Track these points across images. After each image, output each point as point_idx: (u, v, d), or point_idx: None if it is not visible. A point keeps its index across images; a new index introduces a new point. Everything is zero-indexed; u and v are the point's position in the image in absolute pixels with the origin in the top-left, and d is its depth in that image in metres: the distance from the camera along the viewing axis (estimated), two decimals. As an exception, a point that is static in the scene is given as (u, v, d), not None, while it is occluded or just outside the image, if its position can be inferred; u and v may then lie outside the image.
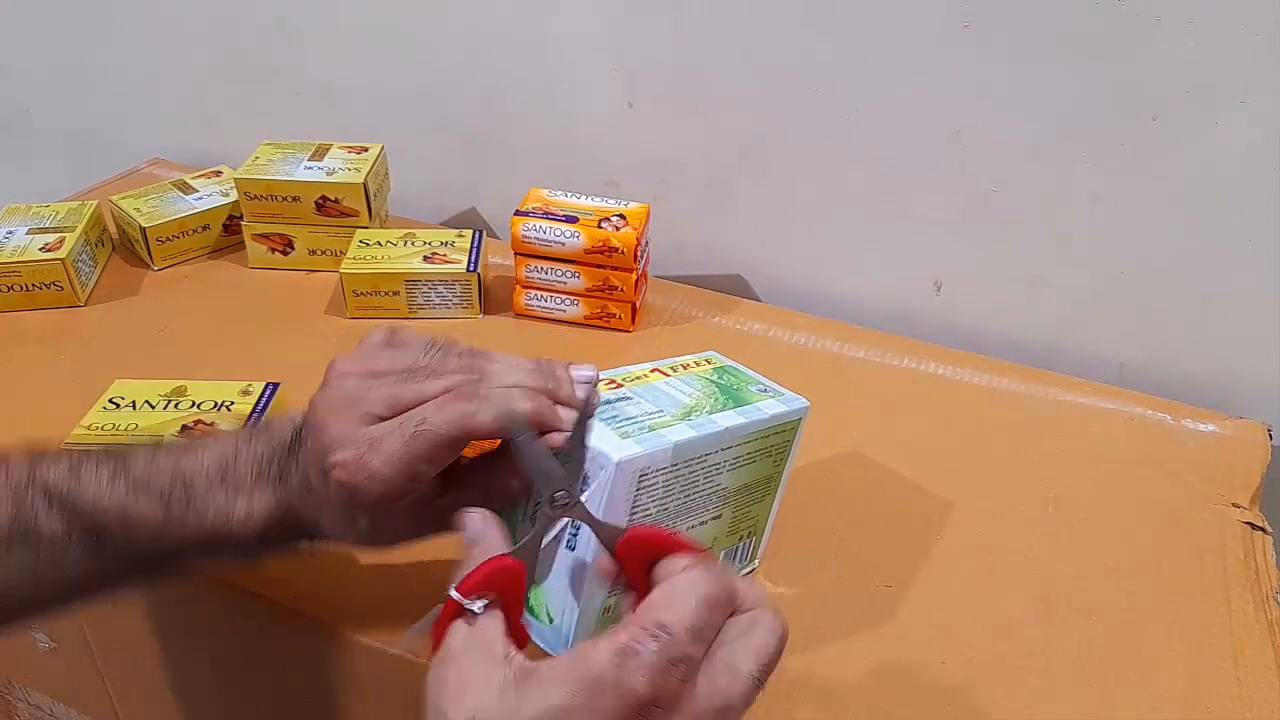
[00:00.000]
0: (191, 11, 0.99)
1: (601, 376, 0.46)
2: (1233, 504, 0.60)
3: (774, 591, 0.53)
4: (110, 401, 0.60)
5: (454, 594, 0.34)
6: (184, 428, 0.57)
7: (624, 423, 0.42)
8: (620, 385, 0.47)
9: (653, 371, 0.49)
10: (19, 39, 1.11)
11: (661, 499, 0.43)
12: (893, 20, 0.71)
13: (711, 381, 0.49)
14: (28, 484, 0.42)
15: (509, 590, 0.35)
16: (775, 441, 0.48)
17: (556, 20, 0.83)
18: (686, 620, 0.31)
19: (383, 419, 0.40)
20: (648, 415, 0.44)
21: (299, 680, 0.55)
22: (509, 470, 0.43)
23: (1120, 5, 0.64)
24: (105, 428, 0.57)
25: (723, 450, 0.45)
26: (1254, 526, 0.58)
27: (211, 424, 0.58)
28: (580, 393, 0.42)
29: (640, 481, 0.41)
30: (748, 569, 0.54)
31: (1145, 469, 0.63)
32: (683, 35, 0.79)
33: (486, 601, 0.34)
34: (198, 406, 0.59)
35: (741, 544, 0.51)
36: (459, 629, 0.33)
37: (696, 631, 0.31)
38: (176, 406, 0.59)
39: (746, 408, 0.46)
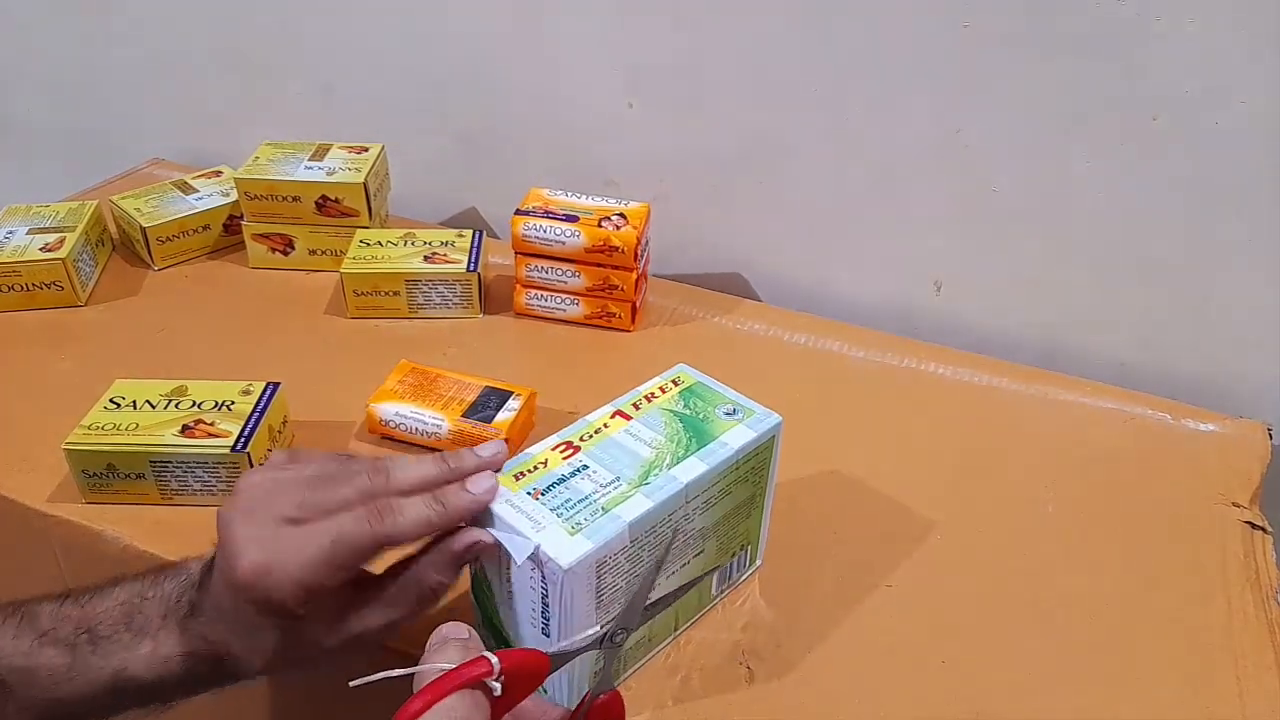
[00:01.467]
0: (191, 11, 0.99)
1: (561, 439, 0.46)
2: (1233, 504, 0.60)
3: (774, 592, 0.53)
4: (110, 401, 0.60)
5: (494, 660, 0.32)
6: (185, 427, 0.57)
7: (576, 509, 0.41)
8: (576, 449, 0.45)
9: (615, 415, 0.47)
10: (19, 39, 1.11)
11: (629, 571, 0.43)
12: (893, 20, 0.71)
13: (676, 415, 0.47)
14: None
15: (527, 681, 0.35)
16: (751, 465, 0.47)
17: (556, 20, 0.83)
18: None
19: (293, 521, 0.40)
20: (602, 490, 0.43)
21: (298, 680, 0.55)
22: (427, 568, 0.42)
23: (1120, 5, 0.64)
24: (105, 427, 0.57)
25: (689, 501, 0.44)
26: (1254, 526, 0.58)
27: (212, 423, 0.58)
28: (483, 484, 0.42)
29: (600, 570, 0.41)
30: (749, 573, 0.53)
31: (1145, 469, 0.63)
32: (683, 35, 0.79)
33: (503, 689, 0.33)
34: (198, 406, 0.59)
35: (735, 559, 0.51)
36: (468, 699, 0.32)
37: None
38: (177, 406, 0.59)
39: (711, 446, 0.45)
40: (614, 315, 0.76)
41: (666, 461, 0.44)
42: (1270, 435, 0.66)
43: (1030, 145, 0.72)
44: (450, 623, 0.35)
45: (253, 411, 0.59)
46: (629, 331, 0.77)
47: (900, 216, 0.79)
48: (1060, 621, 0.52)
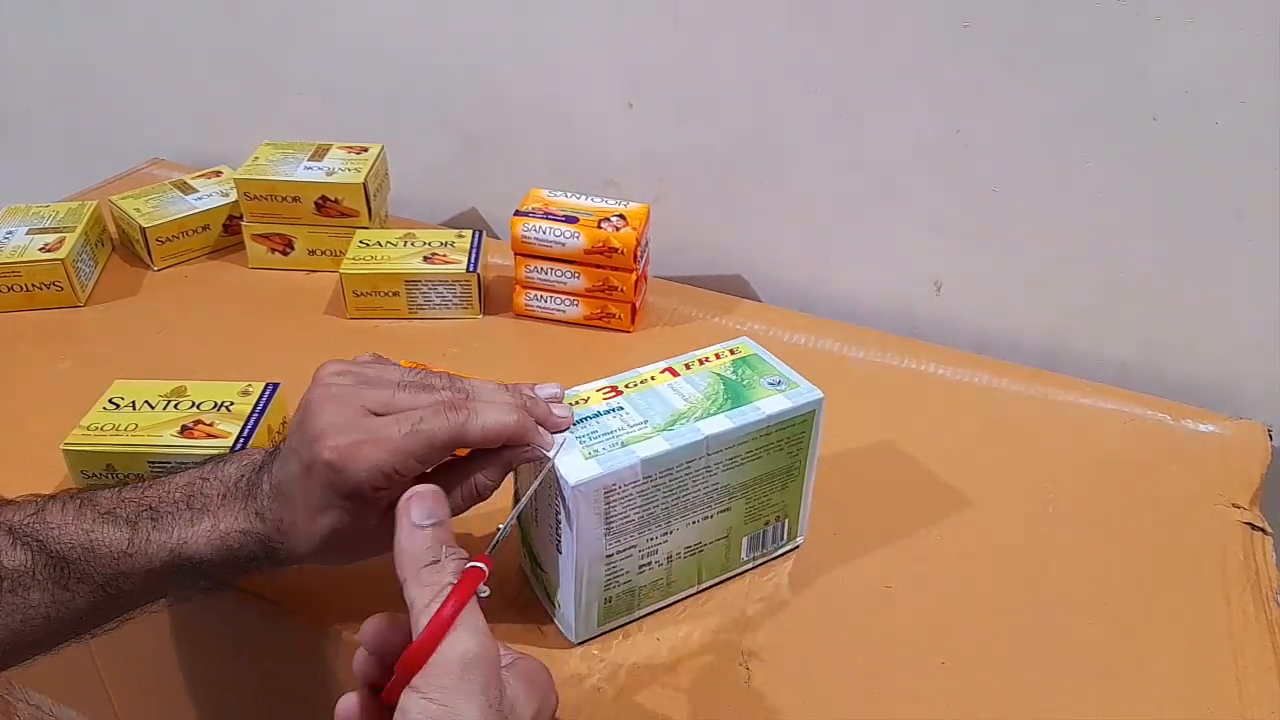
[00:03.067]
0: (191, 11, 0.99)
1: (608, 382, 0.49)
2: (1233, 504, 0.60)
3: (772, 591, 0.53)
4: (110, 402, 0.59)
5: (482, 564, 0.35)
6: (184, 428, 0.57)
7: (598, 439, 0.45)
8: (619, 392, 0.48)
9: (664, 371, 0.50)
10: (19, 39, 1.11)
11: (643, 506, 0.45)
12: (893, 20, 0.71)
13: (721, 378, 0.50)
14: None
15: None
16: (785, 435, 0.49)
17: (556, 20, 0.83)
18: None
19: (377, 414, 0.42)
20: (626, 429, 0.46)
21: (298, 681, 0.55)
22: (479, 469, 0.44)
23: (1120, 5, 0.64)
24: (105, 428, 0.57)
25: (710, 454, 0.46)
26: (1254, 527, 0.58)
27: (211, 424, 0.58)
28: (560, 411, 0.45)
29: (608, 497, 0.44)
30: (789, 546, 0.55)
31: (1145, 469, 0.63)
32: (683, 35, 0.79)
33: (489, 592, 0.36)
34: (198, 406, 0.59)
35: (769, 528, 0.52)
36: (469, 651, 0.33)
37: None
38: (176, 407, 0.59)
39: (743, 408, 0.47)
40: (614, 316, 0.76)
41: (696, 415, 0.47)
42: (1270, 436, 0.66)
43: (1030, 145, 0.72)
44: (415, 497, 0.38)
45: (252, 412, 0.59)
46: (629, 332, 0.77)
47: (900, 216, 0.79)
48: (1060, 621, 0.52)
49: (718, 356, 0.52)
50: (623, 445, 0.44)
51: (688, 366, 0.51)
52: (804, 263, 0.85)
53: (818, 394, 0.49)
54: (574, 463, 0.43)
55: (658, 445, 0.45)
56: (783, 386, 0.49)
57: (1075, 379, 0.71)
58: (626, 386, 0.49)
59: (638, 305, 0.77)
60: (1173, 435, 0.66)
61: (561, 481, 0.43)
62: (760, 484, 0.50)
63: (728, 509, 0.49)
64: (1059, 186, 0.72)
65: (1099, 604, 0.53)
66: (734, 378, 0.50)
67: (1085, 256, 0.74)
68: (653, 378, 0.50)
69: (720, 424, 0.46)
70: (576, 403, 0.47)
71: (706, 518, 0.49)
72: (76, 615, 0.43)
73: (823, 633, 0.51)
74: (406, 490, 0.38)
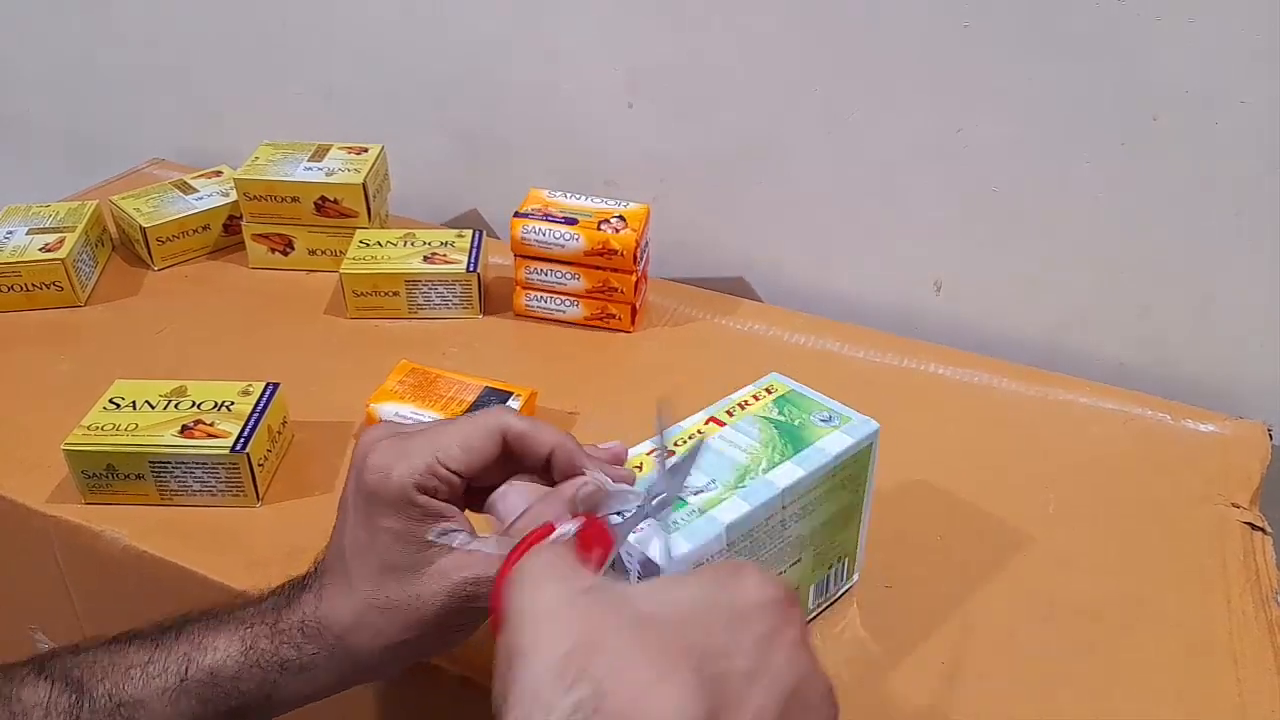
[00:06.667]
0: (191, 12, 0.99)
1: (655, 444, 0.45)
2: (1233, 504, 0.60)
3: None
4: (110, 401, 0.59)
5: (557, 524, 0.34)
6: (184, 428, 0.57)
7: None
8: (671, 454, 0.45)
9: (708, 422, 0.47)
10: (19, 39, 1.11)
11: None
12: (893, 20, 0.71)
13: (771, 422, 0.47)
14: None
15: (595, 547, 0.34)
16: (849, 473, 0.46)
17: (556, 20, 0.83)
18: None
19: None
20: (698, 492, 0.42)
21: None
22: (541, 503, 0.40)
23: (1120, 5, 0.64)
24: (105, 428, 0.57)
25: (785, 507, 0.43)
26: (1254, 526, 0.58)
27: (212, 424, 0.58)
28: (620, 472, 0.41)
29: None
30: (846, 587, 0.52)
31: (1145, 469, 0.63)
32: (683, 35, 0.79)
33: (578, 527, 0.34)
34: (198, 406, 0.59)
35: (833, 570, 0.50)
36: (542, 552, 0.32)
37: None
38: (176, 407, 0.59)
39: (808, 452, 0.45)
40: (614, 317, 0.76)
41: (762, 466, 0.44)
42: (1270, 435, 0.65)
43: (1030, 145, 0.71)
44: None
45: (252, 412, 0.59)
46: (629, 333, 0.77)
47: (900, 216, 0.79)
48: (1060, 621, 0.52)
49: (756, 398, 0.48)
50: (701, 513, 0.41)
51: (730, 414, 0.47)
52: (804, 263, 0.85)
53: (873, 424, 0.47)
54: (657, 539, 0.40)
55: (737, 507, 0.42)
56: (835, 421, 0.46)
57: (1075, 379, 0.71)
58: (677, 445, 0.45)
59: (638, 306, 0.77)
60: (1173, 435, 0.66)
61: (642, 561, 0.39)
62: (827, 527, 0.47)
63: (799, 560, 0.47)
64: (1059, 186, 0.72)
65: (1099, 604, 0.53)
66: (783, 419, 0.47)
67: (1085, 256, 0.74)
68: (700, 431, 0.46)
69: (791, 473, 0.43)
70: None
71: (780, 573, 0.46)
72: None
73: (822, 633, 0.51)
74: (455, 508, 0.38)
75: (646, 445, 0.46)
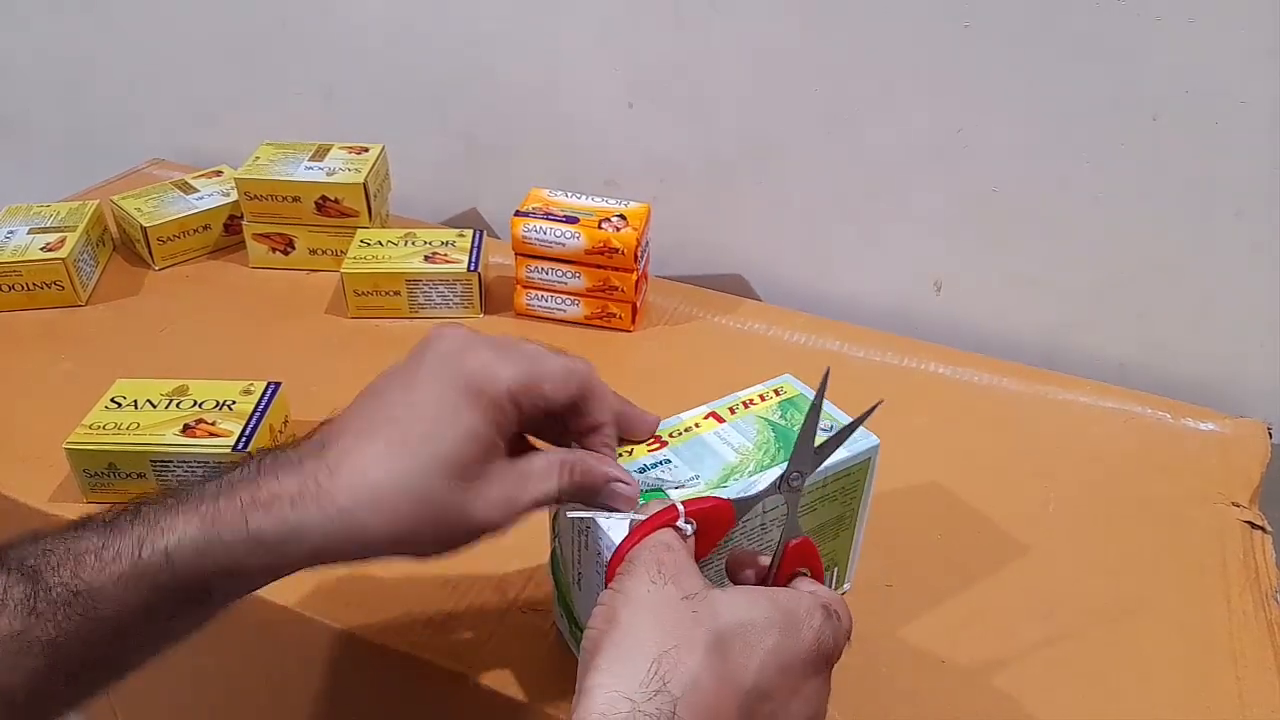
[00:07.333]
0: (191, 12, 0.99)
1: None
2: (1233, 503, 0.60)
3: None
4: (111, 401, 0.60)
5: (679, 505, 0.37)
6: (186, 427, 0.57)
7: (650, 494, 0.42)
8: (664, 443, 0.45)
9: (708, 417, 0.47)
10: (19, 39, 1.11)
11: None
12: (893, 20, 0.71)
13: (770, 424, 0.46)
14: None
15: (714, 528, 0.38)
16: (841, 485, 0.46)
17: (556, 20, 0.83)
18: (850, 627, 0.37)
19: None
20: (678, 486, 0.42)
21: (298, 681, 0.55)
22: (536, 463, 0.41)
23: (1120, 5, 0.64)
24: (106, 427, 0.57)
25: (766, 512, 0.43)
26: (1254, 526, 0.58)
27: (213, 423, 0.58)
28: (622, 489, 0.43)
29: None
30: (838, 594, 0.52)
31: (1145, 469, 0.63)
32: (683, 35, 0.79)
33: (694, 530, 0.37)
34: (199, 406, 0.59)
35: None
36: (664, 539, 0.36)
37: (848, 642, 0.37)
38: (178, 406, 0.59)
39: None
40: (614, 315, 0.76)
41: (750, 469, 0.44)
42: (1270, 435, 0.66)
43: (1030, 145, 0.72)
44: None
45: (254, 411, 0.59)
46: (629, 331, 0.77)
47: (900, 216, 0.79)
48: (1060, 621, 0.52)
49: (762, 398, 0.48)
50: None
51: (732, 410, 0.47)
52: (804, 263, 0.85)
53: (873, 440, 0.46)
54: (619, 525, 0.40)
55: None
56: (835, 433, 0.46)
57: (1075, 379, 0.72)
58: (671, 436, 0.45)
59: (638, 305, 0.77)
60: (1173, 434, 0.67)
61: (605, 544, 0.40)
62: (814, 535, 0.45)
63: None
64: (1059, 186, 0.72)
65: (1099, 603, 0.53)
66: (783, 423, 0.46)
67: (1085, 256, 0.74)
68: (697, 425, 0.46)
69: (775, 478, 0.42)
70: (620, 455, 0.44)
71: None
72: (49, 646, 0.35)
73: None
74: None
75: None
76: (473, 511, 0.38)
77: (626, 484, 0.41)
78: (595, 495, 0.40)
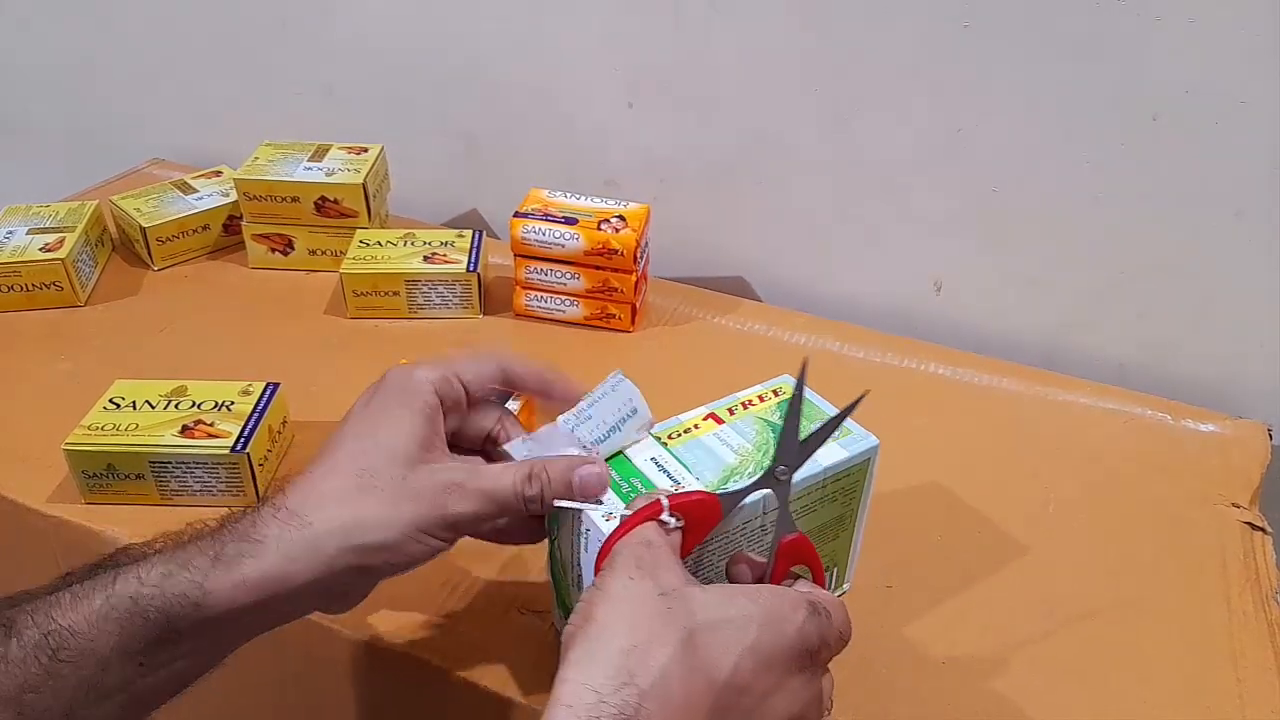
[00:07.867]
0: (191, 12, 0.99)
1: (653, 432, 0.46)
2: (1233, 504, 0.60)
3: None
4: (110, 401, 0.59)
5: (664, 500, 0.38)
6: (184, 428, 0.57)
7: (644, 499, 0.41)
8: (662, 445, 0.45)
9: (707, 418, 0.47)
10: (19, 39, 1.11)
11: (693, 572, 0.41)
12: (893, 20, 0.71)
13: (770, 425, 0.46)
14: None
15: (701, 522, 0.39)
16: (841, 485, 0.46)
17: (556, 20, 0.83)
18: (844, 626, 0.38)
19: None
20: (675, 488, 0.42)
21: (298, 681, 0.55)
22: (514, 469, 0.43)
23: (1120, 5, 0.64)
24: (105, 428, 0.57)
25: (766, 514, 0.43)
26: (1254, 526, 0.58)
27: (212, 424, 0.58)
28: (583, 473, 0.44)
29: None
30: (837, 595, 0.51)
31: (1145, 469, 0.63)
32: (683, 35, 0.79)
33: (681, 524, 0.38)
34: (198, 406, 0.59)
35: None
36: (645, 535, 0.37)
37: (842, 641, 0.37)
38: (177, 406, 0.59)
39: None
40: (614, 316, 0.76)
41: (749, 470, 0.43)
42: (1270, 435, 0.66)
43: (1030, 145, 0.72)
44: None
45: (252, 412, 0.59)
46: (629, 332, 0.77)
47: (900, 216, 0.79)
48: (1060, 621, 0.52)
49: (762, 399, 0.48)
50: None
51: (731, 411, 0.47)
52: (804, 263, 0.85)
53: (873, 440, 0.46)
54: (609, 524, 0.40)
55: None
56: (835, 434, 0.45)
57: (1075, 379, 0.72)
58: (671, 437, 0.45)
59: (638, 305, 0.77)
60: (1173, 435, 0.66)
61: (596, 542, 0.40)
62: (814, 536, 0.45)
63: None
64: (1059, 186, 0.72)
65: (1099, 604, 0.53)
66: (783, 424, 0.45)
67: (1085, 256, 0.74)
68: (696, 426, 0.46)
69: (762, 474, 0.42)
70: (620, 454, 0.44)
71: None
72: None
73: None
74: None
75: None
76: (420, 489, 0.40)
77: (590, 464, 0.42)
78: (566, 486, 0.42)
